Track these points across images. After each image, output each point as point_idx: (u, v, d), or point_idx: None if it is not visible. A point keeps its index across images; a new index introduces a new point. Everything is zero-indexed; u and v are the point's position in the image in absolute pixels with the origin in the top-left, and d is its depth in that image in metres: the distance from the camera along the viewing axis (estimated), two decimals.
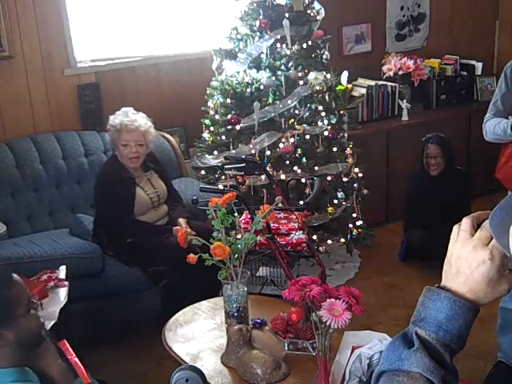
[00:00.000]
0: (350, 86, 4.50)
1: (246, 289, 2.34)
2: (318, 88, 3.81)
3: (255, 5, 3.84)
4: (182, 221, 3.50)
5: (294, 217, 3.43)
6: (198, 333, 2.41)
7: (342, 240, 4.13)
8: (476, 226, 0.98)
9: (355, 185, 4.10)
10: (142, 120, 3.50)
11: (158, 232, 3.46)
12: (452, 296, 0.96)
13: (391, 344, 0.98)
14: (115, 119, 3.49)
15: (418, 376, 0.92)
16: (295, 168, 3.78)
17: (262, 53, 3.83)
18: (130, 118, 3.48)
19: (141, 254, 3.38)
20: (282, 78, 3.80)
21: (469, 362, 2.94)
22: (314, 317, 1.82)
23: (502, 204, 0.94)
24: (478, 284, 0.95)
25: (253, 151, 3.76)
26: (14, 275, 1.74)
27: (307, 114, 3.87)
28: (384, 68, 4.98)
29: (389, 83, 4.93)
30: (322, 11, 4.03)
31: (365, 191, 4.19)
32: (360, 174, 4.13)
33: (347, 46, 5.02)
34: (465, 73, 5.30)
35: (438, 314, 0.96)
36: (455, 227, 1.00)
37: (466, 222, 0.99)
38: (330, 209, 3.90)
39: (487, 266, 0.94)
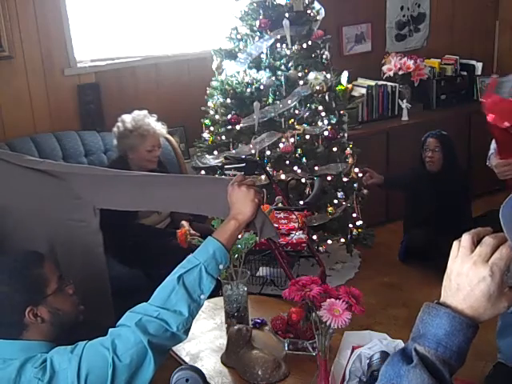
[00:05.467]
0: (350, 86, 4.50)
1: (245, 289, 2.34)
2: (317, 88, 3.81)
3: (255, 5, 3.84)
4: (185, 223, 3.50)
5: (294, 217, 3.43)
6: (197, 333, 2.40)
7: (342, 240, 4.12)
8: (476, 242, 0.97)
9: (355, 185, 4.10)
10: (157, 123, 3.52)
11: (162, 235, 3.46)
12: (451, 312, 0.95)
13: (390, 360, 0.97)
14: (132, 122, 3.42)
15: None
16: (295, 168, 3.78)
17: (262, 53, 3.83)
18: (151, 122, 3.46)
19: (142, 256, 3.37)
20: (282, 78, 3.80)
21: (469, 362, 2.90)
22: (314, 317, 1.82)
23: None
24: (477, 301, 0.95)
25: (253, 151, 3.76)
26: (46, 255, 1.83)
27: (307, 114, 3.87)
28: (384, 68, 4.98)
29: (389, 83, 4.93)
30: (322, 11, 4.03)
31: (365, 191, 4.18)
32: (360, 174, 4.13)
33: (347, 45, 5.02)
34: (465, 73, 5.29)
35: (437, 330, 0.95)
36: (455, 243, 0.99)
37: (466, 238, 0.98)
38: (330, 209, 3.90)
39: (487, 283, 0.93)
